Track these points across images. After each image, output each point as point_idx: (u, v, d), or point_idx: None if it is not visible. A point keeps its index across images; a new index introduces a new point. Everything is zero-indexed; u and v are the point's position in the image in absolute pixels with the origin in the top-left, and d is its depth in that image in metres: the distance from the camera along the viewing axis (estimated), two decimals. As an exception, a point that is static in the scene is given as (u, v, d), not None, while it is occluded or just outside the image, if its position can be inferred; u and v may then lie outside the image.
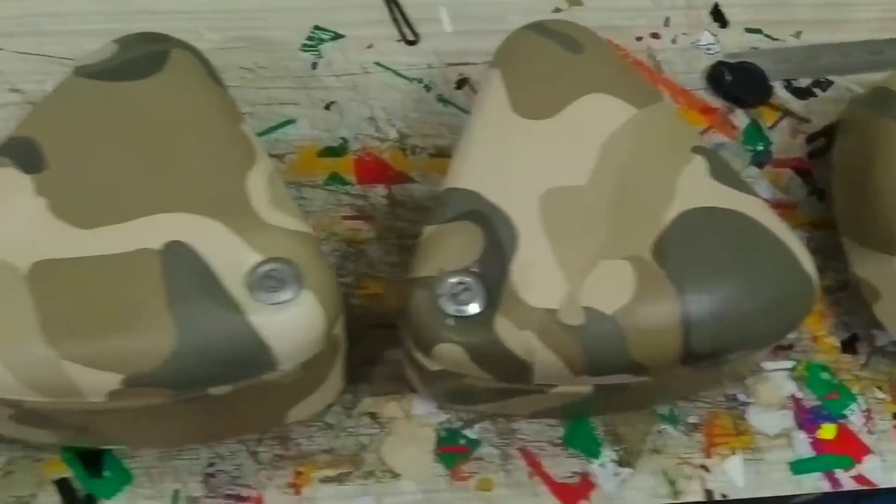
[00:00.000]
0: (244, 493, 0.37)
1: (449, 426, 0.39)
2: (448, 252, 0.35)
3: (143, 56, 0.37)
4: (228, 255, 0.32)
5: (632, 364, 0.33)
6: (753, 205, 0.36)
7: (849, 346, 0.42)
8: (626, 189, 0.36)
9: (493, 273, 0.34)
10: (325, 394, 0.36)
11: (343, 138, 0.46)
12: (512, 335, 0.33)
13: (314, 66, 0.48)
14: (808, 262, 0.35)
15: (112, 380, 0.30)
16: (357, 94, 0.47)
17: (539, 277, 0.34)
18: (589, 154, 0.37)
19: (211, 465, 0.37)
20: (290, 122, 0.46)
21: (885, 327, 0.41)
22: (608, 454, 0.39)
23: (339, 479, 0.38)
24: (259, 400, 0.34)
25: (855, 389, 0.41)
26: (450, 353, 0.33)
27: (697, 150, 0.37)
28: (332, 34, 0.49)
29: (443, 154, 0.45)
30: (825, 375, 0.42)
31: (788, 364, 0.42)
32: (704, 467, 0.39)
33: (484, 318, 0.33)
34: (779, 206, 0.46)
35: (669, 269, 0.34)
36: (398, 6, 0.50)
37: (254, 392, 0.33)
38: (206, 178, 0.34)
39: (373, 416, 0.39)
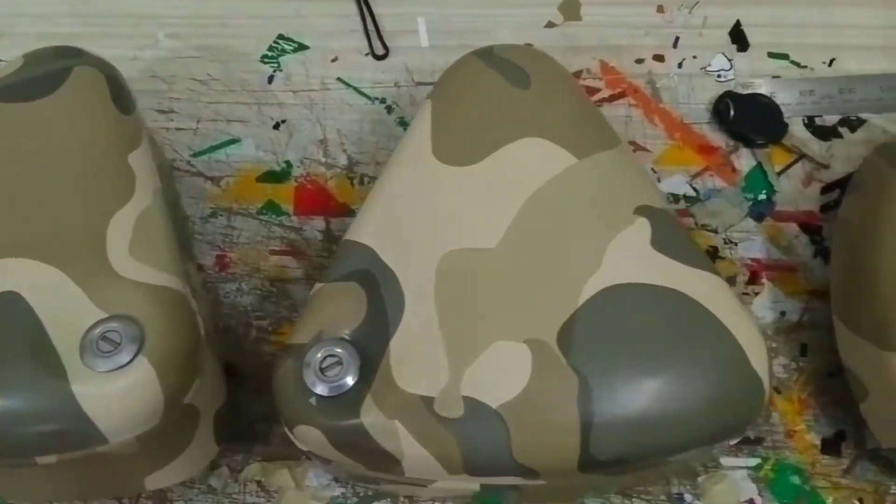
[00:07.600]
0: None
1: (343, 502, 0.35)
2: (327, 317, 0.31)
3: (43, 74, 0.34)
4: (66, 310, 0.29)
5: (518, 467, 0.29)
6: (700, 283, 0.31)
7: (831, 445, 0.36)
8: (542, 256, 0.31)
9: (371, 347, 0.30)
10: (189, 461, 0.33)
11: (287, 162, 0.42)
12: (378, 423, 0.29)
13: (270, 79, 0.44)
14: (758, 357, 0.29)
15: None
16: (312, 113, 0.43)
17: (419, 358, 0.29)
18: (508, 211, 0.32)
19: (89, 518, 0.35)
20: (233, 141, 0.42)
21: (870, 430, 0.35)
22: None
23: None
24: (108, 466, 0.31)
25: (829, 500, 0.35)
26: (310, 435, 0.29)
27: (643, 210, 0.32)
28: (296, 45, 0.45)
29: (395, 185, 0.41)
30: (795, 479, 0.35)
31: (752, 462, 0.36)
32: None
33: (352, 399, 0.29)
34: (776, 269, 0.39)
35: (573, 358, 0.29)
36: (371, 15, 0.45)
37: (99, 459, 0.30)
38: (63, 217, 0.30)
39: (260, 483, 0.36)
